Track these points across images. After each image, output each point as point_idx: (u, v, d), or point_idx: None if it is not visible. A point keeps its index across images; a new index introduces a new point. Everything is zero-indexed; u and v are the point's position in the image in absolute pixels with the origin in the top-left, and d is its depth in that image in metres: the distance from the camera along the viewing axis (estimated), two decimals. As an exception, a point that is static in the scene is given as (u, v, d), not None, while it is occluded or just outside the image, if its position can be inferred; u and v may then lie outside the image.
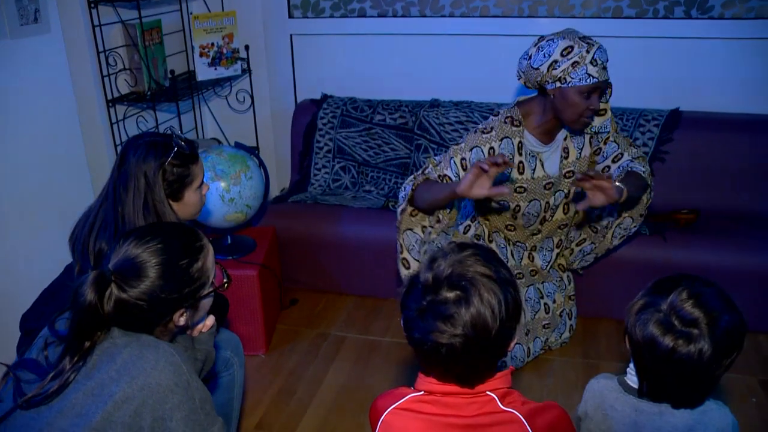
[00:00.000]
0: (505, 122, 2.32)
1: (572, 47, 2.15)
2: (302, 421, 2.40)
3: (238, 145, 2.81)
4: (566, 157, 2.41)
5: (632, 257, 2.76)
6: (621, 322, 2.86)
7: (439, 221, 2.29)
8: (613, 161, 2.46)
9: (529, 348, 2.62)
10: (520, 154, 2.33)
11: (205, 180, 1.90)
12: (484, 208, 2.48)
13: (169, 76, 3.04)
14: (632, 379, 1.37)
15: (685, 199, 3.03)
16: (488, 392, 1.25)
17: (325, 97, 3.52)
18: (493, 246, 2.53)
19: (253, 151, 2.87)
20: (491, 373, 1.25)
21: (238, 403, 2.08)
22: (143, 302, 1.27)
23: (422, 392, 1.27)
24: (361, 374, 2.65)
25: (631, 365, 1.38)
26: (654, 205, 3.01)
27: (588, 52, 2.14)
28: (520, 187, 2.37)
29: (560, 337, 2.72)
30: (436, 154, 3.18)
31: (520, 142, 2.32)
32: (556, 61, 2.16)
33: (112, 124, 2.90)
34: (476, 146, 2.28)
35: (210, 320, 1.48)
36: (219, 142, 3.52)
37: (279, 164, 3.79)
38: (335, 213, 3.13)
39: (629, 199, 2.26)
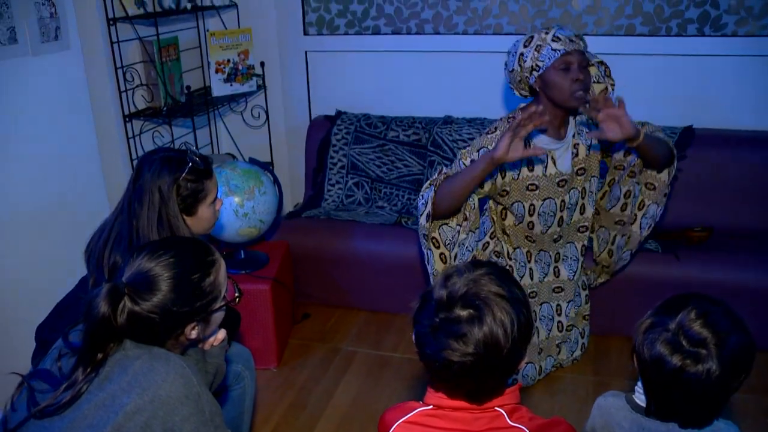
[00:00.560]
0: (509, 122, 2.32)
1: (532, 37, 2.22)
2: (312, 436, 2.41)
3: (252, 161, 2.84)
4: (576, 155, 2.39)
5: (645, 275, 2.76)
6: (632, 339, 2.86)
7: (466, 219, 2.28)
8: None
9: (540, 367, 2.61)
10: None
11: (218, 195, 1.93)
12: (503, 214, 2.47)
13: (186, 91, 3.09)
14: (640, 397, 1.37)
15: (698, 216, 3.02)
16: (496, 408, 1.26)
17: (339, 114, 3.55)
18: (512, 263, 2.50)
19: (267, 166, 2.90)
20: (501, 390, 1.26)
21: (248, 417, 2.09)
22: (155, 315, 1.28)
23: (431, 406, 1.28)
24: (372, 389, 2.66)
25: (639, 383, 1.37)
26: (667, 222, 3.01)
27: (547, 33, 2.19)
28: (532, 184, 2.35)
29: (572, 355, 2.72)
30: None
31: (526, 139, 2.27)
32: (522, 54, 2.22)
33: (128, 138, 2.95)
34: (483, 147, 2.28)
35: (221, 334, 1.49)
36: (234, 157, 3.56)
37: (293, 180, 3.82)
38: (348, 228, 3.14)
39: (650, 150, 2.25)
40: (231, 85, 3.41)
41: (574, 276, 2.58)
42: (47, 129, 2.62)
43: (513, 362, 1.22)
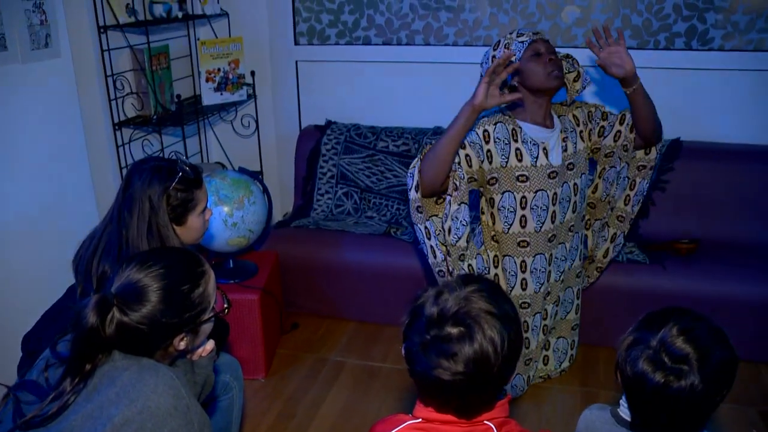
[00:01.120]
0: (496, 113, 2.42)
1: (498, 41, 2.41)
2: (300, 447, 2.41)
3: (242, 170, 2.84)
4: (565, 150, 2.44)
5: (632, 286, 2.77)
6: (616, 355, 2.87)
7: (456, 188, 2.26)
8: (620, 123, 2.52)
9: (529, 376, 2.62)
10: (516, 141, 2.37)
11: (208, 204, 1.92)
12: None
13: (176, 100, 3.08)
14: (625, 411, 1.37)
15: (685, 228, 3.04)
16: (486, 422, 1.26)
17: (329, 123, 3.55)
18: (499, 272, 2.49)
19: (257, 176, 2.90)
20: (491, 404, 1.26)
21: (236, 428, 2.08)
22: (144, 326, 1.28)
23: (420, 420, 1.28)
24: (360, 400, 2.65)
25: (624, 397, 1.37)
26: (654, 234, 3.04)
27: (510, 34, 2.39)
28: (522, 175, 2.36)
29: (560, 366, 2.72)
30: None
31: (513, 129, 2.37)
32: (494, 57, 2.38)
33: (117, 147, 2.94)
34: (471, 129, 2.32)
35: (210, 345, 1.49)
36: (223, 166, 3.55)
37: (282, 189, 3.81)
38: (337, 238, 3.14)
39: (645, 99, 2.37)
40: (221, 94, 3.41)
41: (560, 277, 2.58)
42: (36, 137, 2.61)
43: (503, 378, 1.23)
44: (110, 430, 1.19)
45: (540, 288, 2.51)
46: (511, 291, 2.50)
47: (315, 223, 3.30)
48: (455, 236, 2.31)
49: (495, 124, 2.36)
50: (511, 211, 2.41)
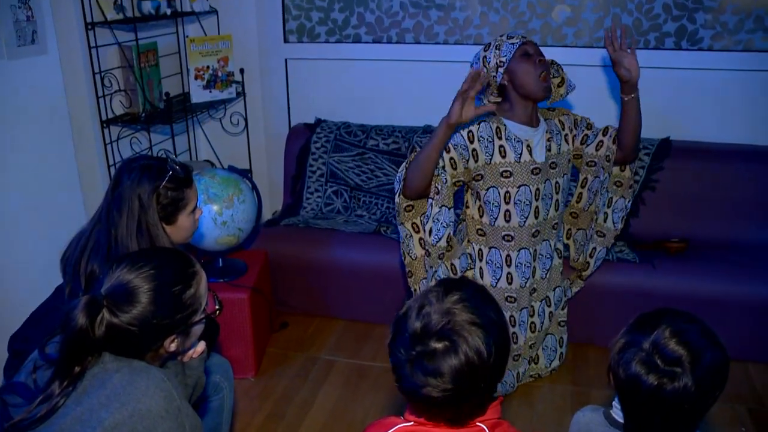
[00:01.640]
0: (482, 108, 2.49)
1: (489, 43, 2.47)
2: (291, 447, 2.39)
3: (231, 168, 2.82)
4: (549, 149, 2.51)
5: (622, 285, 2.78)
6: (608, 357, 2.88)
7: (438, 192, 2.38)
8: (603, 134, 2.59)
9: (518, 372, 2.62)
10: (500, 138, 2.44)
11: (198, 203, 1.91)
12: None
13: (164, 98, 3.06)
14: (618, 413, 1.37)
15: (674, 227, 3.06)
16: (478, 423, 1.25)
17: (318, 122, 3.54)
18: (484, 266, 2.54)
19: (246, 174, 2.89)
20: (482, 409, 1.25)
21: (226, 428, 2.07)
22: (135, 327, 1.26)
23: (411, 423, 1.27)
24: (351, 399, 2.64)
25: (617, 399, 1.37)
26: (644, 233, 3.04)
27: (501, 36, 2.46)
28: (506, 171, 2.43)
29: (550, 365, 2.73)
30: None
31: (497, 127, 2.44)
32: (485, 57, 2.45)
33: (105, 144, 2.91)
34: (456, 131, 2.41)
35: (201, 346, 1.47)
36: (212, 164, 3.53)
37: (272, 187, 3.80)
38: (327, 237, 3.13)
39: (637, 110, 2.46)
40: (210, 91, 3.39)
41: (546, 275, 2.60)
42: (23, 134, 2.58)
43: (492, 384, 1.22)
44: (100, 434, 1.18)
45: (525, 283, 2.54)
46: (497, 283, 2.53)
47: (304, 221, 3.29)
48: (435, 237, 2.42)
49: (479, 123, 2.44)
50: (495, 206, 2.47)
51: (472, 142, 2.41)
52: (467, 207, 2.57)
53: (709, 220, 3.04)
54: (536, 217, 2.49)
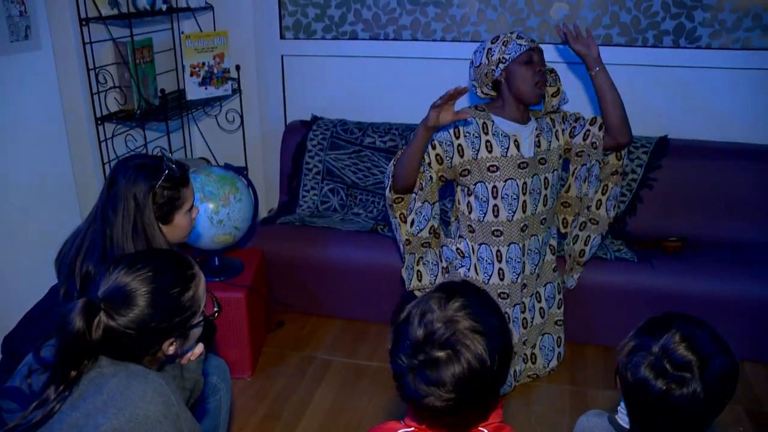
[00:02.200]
0: (469, 108, 2.55)
1: (498, 36, 2.48)
2: (288, 447, 2.38)
3: (227, 166, 2.80)
4: (539, 145, 2.54)
5: (620, 284, 2.77)
6: (609, 348, 2.88)
7: (422, 188, 2.48)
8: (590, 124, 2.62)
9: (515, 371, 2.61)
10: (486, 133, 2.48)
11: (194, 202, 1.89)
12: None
13: (159, 94, 3.03)
14: (623, 418, 1.35)
15: (672, 225, 3.05)
16: (481, 428, 1.24)
17: (315, 119, 3.52)
18: (476, 263, 2.56)
19: (242, 171, 2.86)
20: (485, 416, 1.24)
21: (224, 429, 2.05)
22: (132, 331, 1.24)
23: (413, 429, 1.26)
24: (348, 398, 2.63)
25: (622, 403, 1.35)
26: (642, 232, 3.04)
27: (511, 33, 2.47)
28: (492, 165, 2.48)
29: (548, 365, 2.72)
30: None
31: (484, 123, 2.49)
32: (490, 49, 2.46)
33: (100, 142, 2.88)
34: (443, 128, 2.47)
35: (199, 348, 1.45)
36: (208, 162, 3.50)
37: (267, 185, 3.77)
38: (323, 235, 3.11)
39: (609, 86, 2.52)
40: (206, 88, 3.36)
41: (535, 269, 2.61)
42: (16, 132, 2.54)
43: (496, 390, 1.21)
44: (97, 439, 1.16)
45: (517, 278, 2.56)
46: (489, 280, 2.55)
47: (301, 219, 3.27)
48: (417, 228, 2.55)
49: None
50: (484, 201, 2.51)
51: (457, 138, 2.47)
52: (458, 203, 2.62)
53: (707, 219, 3.04)
54: (524, 212, 2.53)
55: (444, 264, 2.62)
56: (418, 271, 2.65)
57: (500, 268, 2.55)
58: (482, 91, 2.55)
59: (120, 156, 2.95)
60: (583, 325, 2.86)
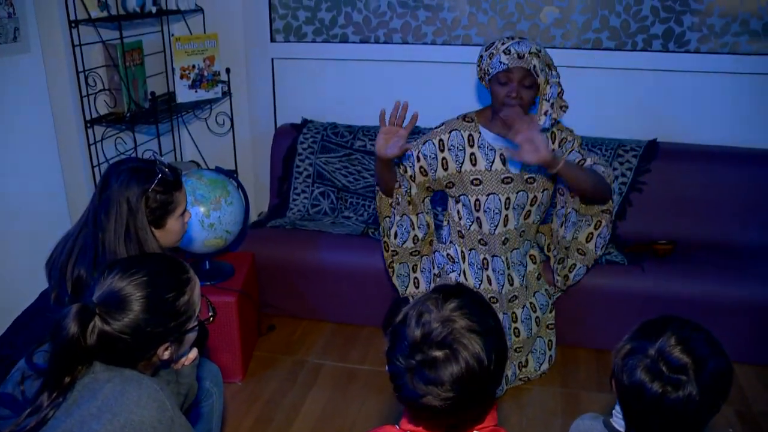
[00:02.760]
0: (458, 119, 2.52)
1: (494, 42, 2.35)
2: (280, 452, 2.37)
3: (218, 170, 2.79)
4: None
5: (611, 287, 2.78)
6: (600, 351, 2.89)
7: (398, 203, 2.52)
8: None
9: (507, 375, 2.61)
10: (471, 146, 2.46)
11: (186, 206, 1.88)
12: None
13: (149, 97, 3.01)
14: (618, 421, 1.36)
15: (662, 229, 3.07)
16: (476, 430, 1.24)
17: (305, 122, 3.51)
18: (466, 268, 2.56)
19: (232, 174, 2.85)
20: (481, 418, 1.24)
21: (216, 434, 2.04)
22: (127, 336, 1.23)
23: (409, 431, 1.26)
24: (340, 402, 2.62)
25: (617, 407, 1.36)
26: (632, 235, 3.05)
27: (503, 44, 2.30)
28: (476, 179, 2.46)
29: (539, 368, 2.72)
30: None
31: (470, 135, 2.46)
32: (482, 57, 2.38)
33: (89, 145, 2.86)
34: (428, 140, 2.51)
35: (193, 353, 1.44)
36: (198, 165, 3.49)
37: (258, 188, 3.76)
38: (314, 239, 3.10)
39: (573, 180, 2.34)
40: (196, 91, 3.34)
41: (522, 281, 2.62)
42: (5, 135, 2.52)
43: (492, 392, 1.22)
44: (92, 446, 1.15)
45: (502, 289, 2.56)
46: (480, 285, 2.56)
47: (291, 223, 3.26)
48: (401, 239, 2.60)
49: (450, 132, 2.48)
50: (469, 212, 2.52)
51: (442, 151, 2.47)
52: (449, 209, 2.61)
53: (697, 222, 3.06)
54: (505, 226, 2.52)
55: (436, 270, 2.62)
56: (416, 278, 2.65)
57: (487, 275, 2.57)
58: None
59: (110, 159, 2.94)
60: (575, 329, 2.87)
